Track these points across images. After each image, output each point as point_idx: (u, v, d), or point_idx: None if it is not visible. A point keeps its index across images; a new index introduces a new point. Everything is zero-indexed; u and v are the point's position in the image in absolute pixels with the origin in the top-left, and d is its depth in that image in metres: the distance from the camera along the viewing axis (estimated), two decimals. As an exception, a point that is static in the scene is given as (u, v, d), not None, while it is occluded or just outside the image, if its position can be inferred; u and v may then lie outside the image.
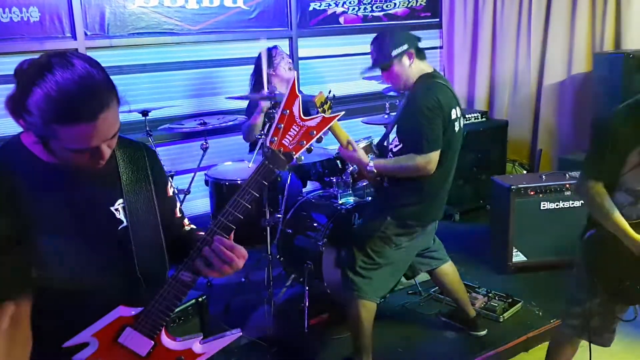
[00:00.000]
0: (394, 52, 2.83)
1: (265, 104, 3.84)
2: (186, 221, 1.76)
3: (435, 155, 2.77)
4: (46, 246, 1.39)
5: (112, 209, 1.51)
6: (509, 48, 5.61)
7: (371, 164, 2.85)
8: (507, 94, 5.73)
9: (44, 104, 1.26)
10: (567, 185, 4.00)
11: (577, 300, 2.53)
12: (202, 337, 1.53)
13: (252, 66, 4.24)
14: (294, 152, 1.44)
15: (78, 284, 1.42)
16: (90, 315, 1.43)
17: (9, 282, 0.56)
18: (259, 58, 4.11)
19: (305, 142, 1.45)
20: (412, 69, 2.86)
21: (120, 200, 1.52)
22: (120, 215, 1.51)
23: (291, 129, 1.44)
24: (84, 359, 1.43)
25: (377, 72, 2.96)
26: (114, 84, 1.39)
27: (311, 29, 5.26)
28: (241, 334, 1.59)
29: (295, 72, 4.32)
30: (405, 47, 2.83)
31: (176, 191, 3.60)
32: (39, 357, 0.64)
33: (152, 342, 1.47)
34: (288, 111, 1.43)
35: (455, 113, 2.85)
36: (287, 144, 1.44)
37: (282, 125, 1.44)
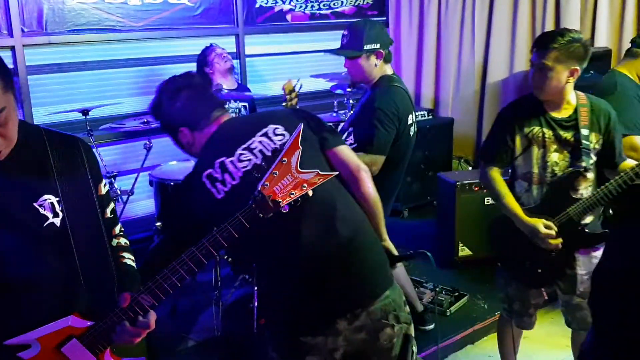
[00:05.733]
0: (366, 46, 2.84)
1: None
2: (117, 229, 1.70)
3: (380, 159, 2.78)
4: None
5: (36, 205, 1.44)
6: (454, 47, 5.71)
7: None
8: (452, 92, 5.84)
9: None
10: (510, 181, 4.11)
11: (500, 285, 2.71)
12: None
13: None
14: (282, 202, 1.45)
15: (5, 283, 1.38)
16: (26, 313, 1.40)
17: None
18: (198, 57, 4.13)
19: (295, 193, 1.46)
20: (376, 68, 2.88)
21: (47, 196, 1.45)
22: (46, 211, 1.44)
23: (285, 178, 1.45)
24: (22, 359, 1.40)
25: (341, 56, 2.96)
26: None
27: (258, 27, 5.22)
28: None
29: (232, 61, 4.28)
30: (377, 45, 2.85)
31: (118, 192, 3.50)
32: None
33: (94, 359, 1.46)
34: (286, 160, 1.45)
35: (411, 118, 2.90)
36: (277, 192, 1.45)
37: (277, 173, 1.45)
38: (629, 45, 3.23)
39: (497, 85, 5.43)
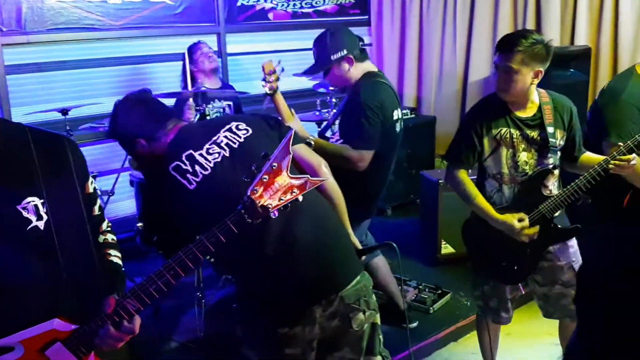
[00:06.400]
0: (333, 57, 2.83)
1: (192, 101, 3.79)
2: (104, 225, 1.70)
3: (368, 155, 2.78)
4: None
5: (19, 207, 1.42)
6: (436, 45, 5.73)
7: (311, 137, 2.83)
8: (434, 91, 5.86)
9: None
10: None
11: (476, 283, 2.73)
12: None
13: (179, 62, 4.19)
14: (271, 207, 1.43)
15: None
16: (10, 316, 1.39)
17: None
18: (184, 53, 4.11)
19: (284, 199, 1.43)
20: (351, 72, 2.87)
21: (31, 199, 1.43)
22: (29, 214, 1.43)
23: (275, 184, 1.42)
24: None
25: (313, 75, 2.97)
26: None
27: (239, 25, 5.19)
28: None
29: (217, 61, 4.26)
30: (344, 52, 2.83)
31: (99, 192, 3.46)
32: None
33: None
34: (276, 165, 1.42)
35: (396, 114, 2.90)
36: (267, 198, 1.42)
37: (267, 178, 1.42)
38: (606, 43, 3.18)
39: (479, 84, 5.45)
